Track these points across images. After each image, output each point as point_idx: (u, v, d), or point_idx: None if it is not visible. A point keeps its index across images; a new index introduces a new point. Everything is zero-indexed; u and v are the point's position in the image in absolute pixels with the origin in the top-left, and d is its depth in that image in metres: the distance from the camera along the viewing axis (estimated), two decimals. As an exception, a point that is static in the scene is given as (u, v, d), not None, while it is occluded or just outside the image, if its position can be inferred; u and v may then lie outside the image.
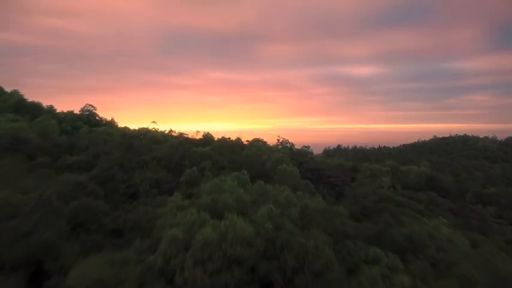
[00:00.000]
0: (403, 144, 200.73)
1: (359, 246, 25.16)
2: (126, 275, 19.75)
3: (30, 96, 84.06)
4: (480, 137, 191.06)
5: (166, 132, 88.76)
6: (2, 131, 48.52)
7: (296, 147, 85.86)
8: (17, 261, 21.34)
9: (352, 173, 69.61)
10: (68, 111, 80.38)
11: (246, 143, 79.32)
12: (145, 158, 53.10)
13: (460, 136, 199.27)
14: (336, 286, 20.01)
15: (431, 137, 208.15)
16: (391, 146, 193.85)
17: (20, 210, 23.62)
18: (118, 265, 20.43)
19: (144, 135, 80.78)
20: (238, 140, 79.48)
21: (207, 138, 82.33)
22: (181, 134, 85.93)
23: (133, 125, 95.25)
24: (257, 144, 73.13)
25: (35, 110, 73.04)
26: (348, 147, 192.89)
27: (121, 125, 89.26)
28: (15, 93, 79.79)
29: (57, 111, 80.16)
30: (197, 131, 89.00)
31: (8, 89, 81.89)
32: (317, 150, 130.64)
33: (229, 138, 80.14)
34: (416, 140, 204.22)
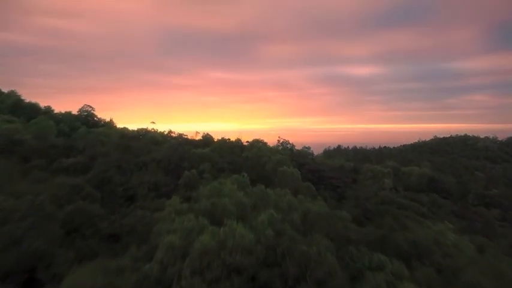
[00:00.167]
0: (403, 145, 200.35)
1: (362, 251, 24.45)
2: (121, 284, 19.02)
3: (30, 97, 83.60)
4: (481, 137, 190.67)
5: (165, 133, 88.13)
6: (-3, 132, 47.56)
7: (296, 147, 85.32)
8: (9, 269, 20.56)
9: (353, 174, 69.03)
10: (65, 112, 79.48)
11: (246, 143, 78.60)
12: (143, 160, 52.27)
13: (460, 136, 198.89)
14: (339, 295, 19.29)
15: (432, 137, 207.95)
16: (391, 146, 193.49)
17: (12, 215, 22.82)
18: (113, 273, 19.66)
19: (143, 136, 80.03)
20: (238, 141, 78.68)
21: (207, 139, 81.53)
22: (180, 135, 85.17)
23: (134, 125, 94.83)
24: (257, 146, 72.35)
25: (32, 111, 72.12)
26: (348, 147, 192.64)
27: (121, 125, 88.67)
28: (12, 94, 78.83)
29: (55, 112, 79.38)
30: (196, 132, 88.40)
31: (8, 89, 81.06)
32: (317, 151, 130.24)
33: (229, 139, 79.40)
34: (416, 140, 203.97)
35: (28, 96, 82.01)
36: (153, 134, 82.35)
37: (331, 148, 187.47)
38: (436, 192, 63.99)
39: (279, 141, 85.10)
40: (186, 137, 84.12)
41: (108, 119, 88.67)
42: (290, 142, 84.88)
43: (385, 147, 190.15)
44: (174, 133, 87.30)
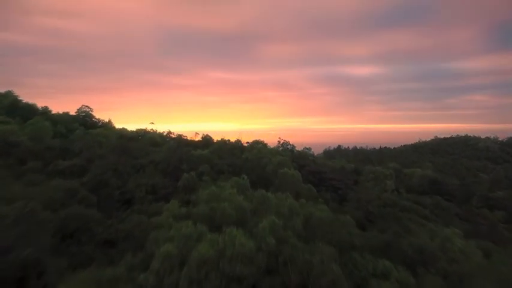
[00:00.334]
0: (404, 145, 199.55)
1: (367, 258, 23.60)
2: (115, 295, 18.13)
3: (30, 97, 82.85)
4: (481, 137, 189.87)
5: (164, 133, 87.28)
6: (-8, 134, 46.53)
7: (296, 147, 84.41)
8: (-1, 279, 19.67)
9: (354, 176, 68.12)
10: (63, 113, 78.42)
11: (246, 144, 77.65)
12: (141, 162, 51.33)
13: (461, 136, 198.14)
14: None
15: (432, 137, 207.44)
16: (391, 147, 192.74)
17: (2, 222, 21.86)
18: (106, 284, 18.74)
19: (142, 136, 79.09)
20: (238, 142, 77.73)
21: (206, 140, 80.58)
22: (179, 136, 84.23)
23: (133, 125, 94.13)
24: (257, 147, 71.42)
25: (29, 112, 71.08)
26: (348, 147, 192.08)
27: (120, 125, 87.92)
28: (9, 94, 77.67)
29: (53, 112, 78.33)
30: (196, 133, 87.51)
31: (8, 89, 79.94)
32: (317, 151, 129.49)
33: (228, 140, 78.48)
34: (416, 141, 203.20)
35: (28, 96, 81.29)
36: (152, 134, 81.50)
37: (331, 148, 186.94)
38: (438, 194, 63.00)
39: (279, 142, 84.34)
40: (185, 138, 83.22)
41: (106, 120, 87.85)
42: (290, 143, 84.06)
43: (385, 147, 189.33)
44: (174, 134, 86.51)
